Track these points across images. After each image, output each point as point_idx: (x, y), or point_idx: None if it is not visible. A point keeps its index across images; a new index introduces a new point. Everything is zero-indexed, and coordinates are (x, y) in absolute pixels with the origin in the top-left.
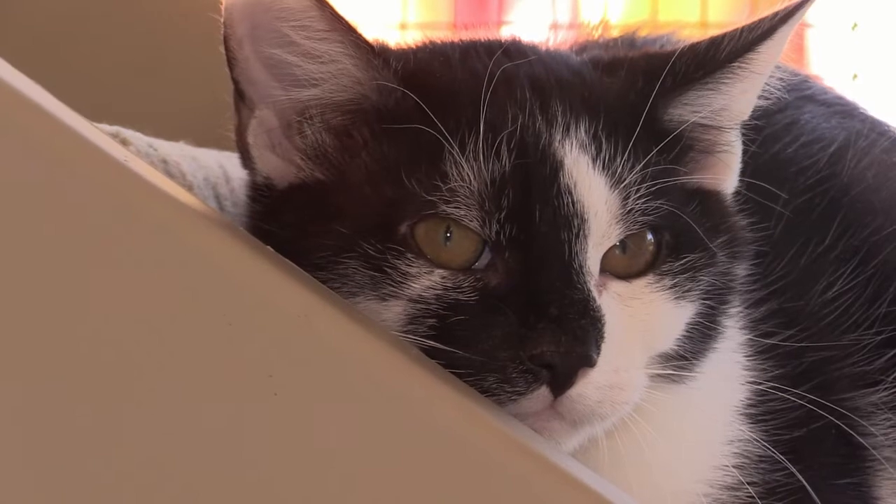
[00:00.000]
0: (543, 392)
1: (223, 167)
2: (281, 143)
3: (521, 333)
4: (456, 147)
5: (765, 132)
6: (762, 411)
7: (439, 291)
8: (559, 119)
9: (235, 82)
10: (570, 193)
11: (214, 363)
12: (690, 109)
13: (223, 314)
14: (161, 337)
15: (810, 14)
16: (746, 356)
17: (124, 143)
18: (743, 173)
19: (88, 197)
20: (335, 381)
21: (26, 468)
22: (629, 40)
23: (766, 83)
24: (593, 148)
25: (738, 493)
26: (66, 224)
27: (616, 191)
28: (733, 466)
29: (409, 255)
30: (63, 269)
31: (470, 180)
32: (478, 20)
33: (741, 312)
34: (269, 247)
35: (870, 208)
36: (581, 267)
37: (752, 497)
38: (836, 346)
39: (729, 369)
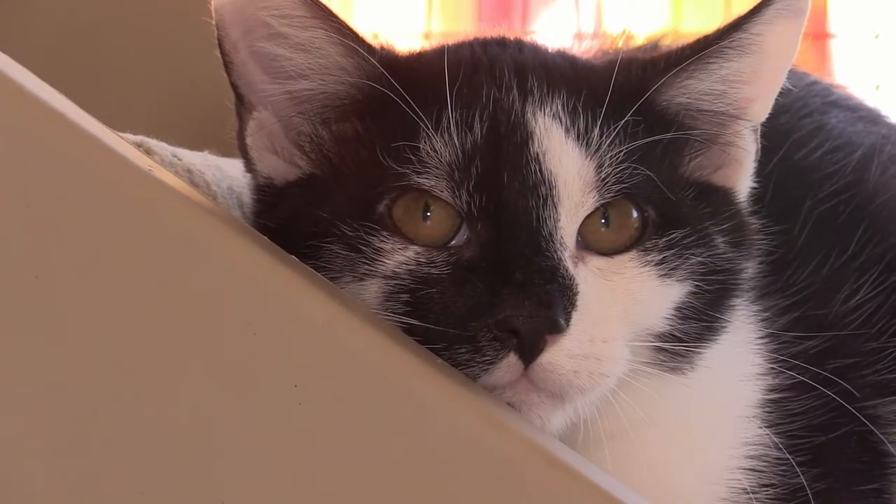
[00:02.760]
0: (512, 359)
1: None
2: (284, 147)
3: (488, 301)
4: (431, 123)
5: (791, 137)
6: (782, 415)
7: (412, 267)
8: (535, 93)
9: (234, 86)
10: (539, 162)
11: (240, 373)
12: (683, 92)
13: (248, 324)
14: (187, 347)
15: (833, 24)
16: (765, 359)
17: (148, 152)
18: (768, 179)
19: (112, 206)
20: (359, 390)
21: (53, 473)
22: (652, 49)
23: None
24: (568, 119)
25: (757, 496)
26: (90, 233)
27: (590, 160)
28: (749, 469)
29: (383, 233)
30: (88, 279)
31: (441, 152)
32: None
33: (757, 313)
34: (293, 256)
35: (895, 217)
36: (550, 235)
37: (772, 500)
38: (859, 353)
39: (741, 369)
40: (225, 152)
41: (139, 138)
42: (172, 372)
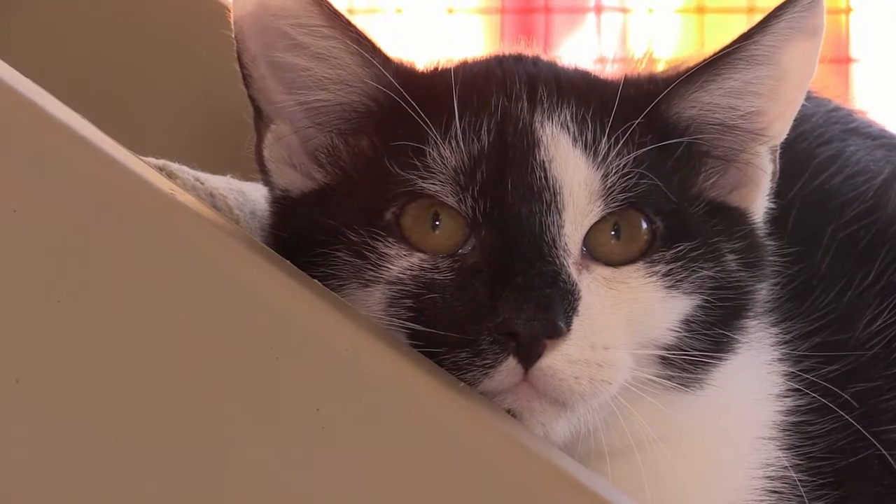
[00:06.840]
0: (511, 363)
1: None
2: (301, 160)
3: (488, 305)
4: (439, 131)
5: (811, 163)
6: (803, 437)
7: (416, 272)
8: (544, 103)
9: (252, 99)
10: (545, 169)
11: (262, 397)
12: (692, 104)
13: (270, 348)
14: (209, 370)
15: (855, 49)
16: (785, 381)
17: (170, 176)
18: (791, 205)
19: (135, 230)
20: (380, 414)
21: (71, 494)
22: None
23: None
24: (576, 129)
25: None
26: (113, 257)
27: (597, 169)
28: (770, 490)
29: (389, 239)
30: (110, 303)
31: (448, 158)
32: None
33: (777, 335)
34: (315, 280)
35: None
36: (553, 241)
37: None
38: (880, 378)
39: (758, 389)
40: (247, 177)
41: (161, 162)
42: (194, 395)
